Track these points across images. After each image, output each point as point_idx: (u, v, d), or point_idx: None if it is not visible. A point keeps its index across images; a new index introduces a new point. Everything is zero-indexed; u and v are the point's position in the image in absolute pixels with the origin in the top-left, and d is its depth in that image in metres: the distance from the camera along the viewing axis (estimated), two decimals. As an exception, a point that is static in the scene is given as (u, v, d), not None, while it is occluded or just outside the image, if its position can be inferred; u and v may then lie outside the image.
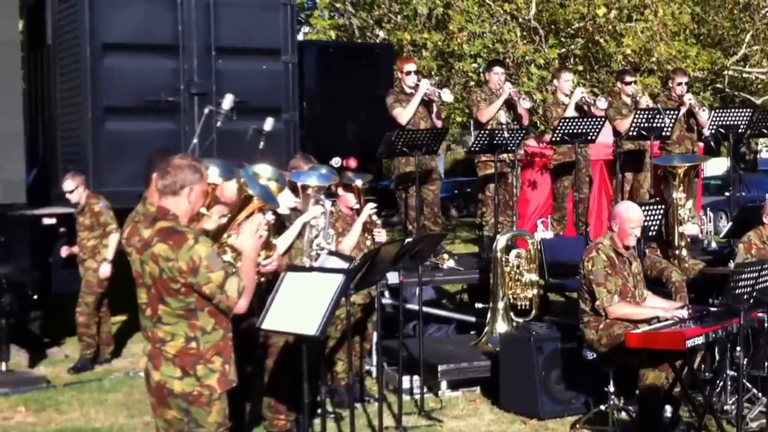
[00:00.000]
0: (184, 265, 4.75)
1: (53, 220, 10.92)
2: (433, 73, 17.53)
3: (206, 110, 9.48)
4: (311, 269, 5.67)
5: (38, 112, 12.42)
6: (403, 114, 10.49)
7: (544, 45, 17.45)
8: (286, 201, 7.51)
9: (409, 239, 7.77)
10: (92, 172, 10.67)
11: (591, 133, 10.69)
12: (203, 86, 11.01)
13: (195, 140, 9.34)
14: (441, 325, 10.72)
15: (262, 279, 6.61)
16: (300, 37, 16.03)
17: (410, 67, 10.79)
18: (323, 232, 7.35)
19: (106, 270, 10.23)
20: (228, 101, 9.42)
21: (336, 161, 11.94)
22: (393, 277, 9.03)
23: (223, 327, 4.94)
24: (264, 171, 6.57)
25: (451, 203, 31.44)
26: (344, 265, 5.93)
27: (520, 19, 17.59)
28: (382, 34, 17.20)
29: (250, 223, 5.00)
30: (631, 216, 7.60)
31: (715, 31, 22.09)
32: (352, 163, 11.97)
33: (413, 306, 9.96)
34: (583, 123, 10.67)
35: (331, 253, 6.43)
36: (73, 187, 10.15)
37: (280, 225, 7.41)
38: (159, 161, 6.04)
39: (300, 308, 5.46)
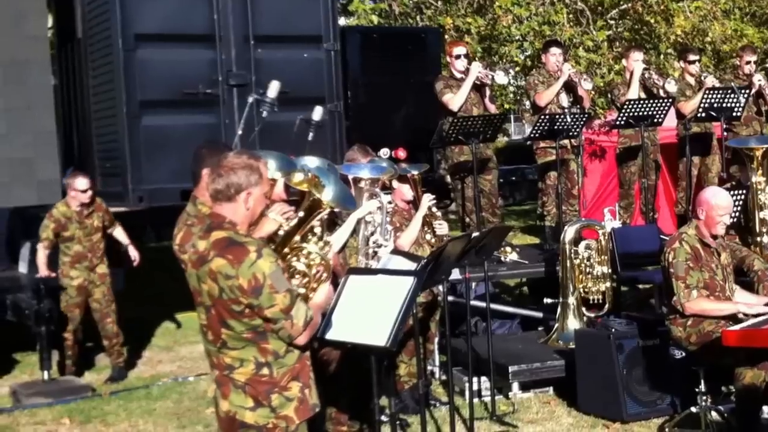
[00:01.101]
0: (245, 284, 4.12)
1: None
2: (477, 58, 16.88)
3: (250, 99, 8.86)
4: (376, 272, 5.03)
5: (72, 109, 11.90)
6: (454, 100, 9.89)
7: (592, 27, 16.72)
8: None
9: (476, 233, 7.13)
10: (130, 170, 10.08)
11: (657, 116, 10.03)
12: (242, 77, 10.38)
13: (239, 132, 8.69)
14: (504, 321, 10.09)
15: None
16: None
17: (460, 50, 10.19)
18: (380, 229, 6.71)
19: (135, 254, 9.93)
20: (273, 89, 8.80)
21: (384, 152, 11.35)
22: (455, 273, 8.48)
23: (299, 348, 4.33)
24: (311, 163, 5.98)
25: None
26: (411, 265, 5.29)
27: (567, 0, 16.86)
28: (423, 19, 16.52)
29: None
30: (720, 202, 6.94)
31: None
32: (402, 153, 11.40)
33: (473, 302, 9.39)
34: (649, 105, 10.01)
35: (395, 252, 5.79)
36: (87, 187, 9.62)
37: (331, 222, 6.84)
38: (208, 156, 5.47)
39: (366, 316, 4.82)
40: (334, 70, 10.94)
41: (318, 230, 4.51)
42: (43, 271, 9.40)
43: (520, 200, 26.66)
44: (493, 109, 10.19)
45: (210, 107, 10.27)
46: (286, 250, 4.47)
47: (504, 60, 17.26)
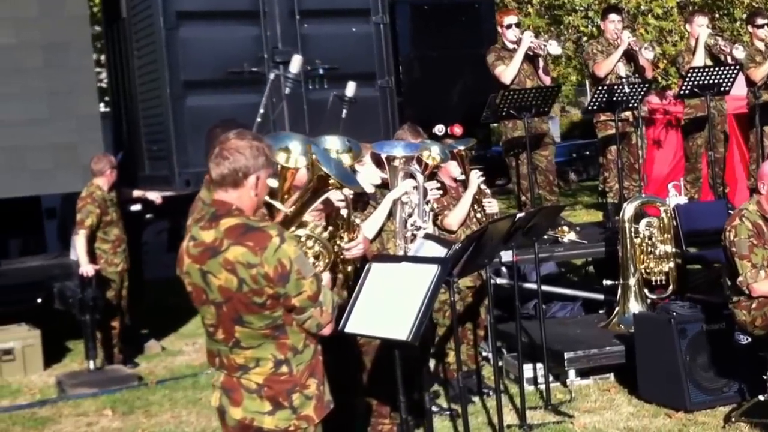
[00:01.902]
0: (271, 271, 3.75)
1: (138, 207, 10.22)
2: (540, 30, 16.34)
3: (271, 76, 8.50)
4: (400, 259, 4.65)
5: (120, 91, 11.67)
6: (506, 72, 9.41)
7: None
8: (370, 177, 6.54)
9: (521, 214, 6.70)
10: (176, 153, 9.87)
11: (724, 84, 9.45)
12: (289, 54, 9.98)
13: (261, 110, 8.34)
14: (565, 303, 9.64)
15: (349, 268, 5.69)
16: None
17: (511, 19, 9.69)
18: (417, 210, 6.31)
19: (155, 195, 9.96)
20: (296, 63, 8.42)
21: (439, 129, 11.01)
22: (507, 255, 8.08)
23: (314, 341, 3.98)
24: (332, 143, 5.58)
25: (570, 167, 30.17)
26: (442, 251, 4.89)
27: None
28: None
29: None
30: (783, 176, 6.42)
31: None
32: (457, 129, 11.05)
33: (533, 284, 9.00)
34: (715, 72, 9.43)
35: (428, 236, 5.40)
36: (115, 164, 9.38)
37: (364, 205, 6.46)
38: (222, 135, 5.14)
39: (389, 307, 4.43)
40: (384, 44, 10.60)
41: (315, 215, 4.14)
42: (85, 264, 9.10)
43: (594, 175, 26.07)
44: (547, 81, 9.66)
45: (256, 86, 9.91)
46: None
47: (569, 30, 16.73)
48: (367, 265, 4.70)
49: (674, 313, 7.10)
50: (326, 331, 3.92)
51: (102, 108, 12.59)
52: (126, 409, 8.31)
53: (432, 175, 7.29)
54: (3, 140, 9.37)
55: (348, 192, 5.61)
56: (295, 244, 3.84)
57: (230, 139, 3.92)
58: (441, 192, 7.13)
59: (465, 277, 6.91)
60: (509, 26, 9.63)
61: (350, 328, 4.49)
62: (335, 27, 10.39)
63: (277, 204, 4.22)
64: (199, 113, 9.77)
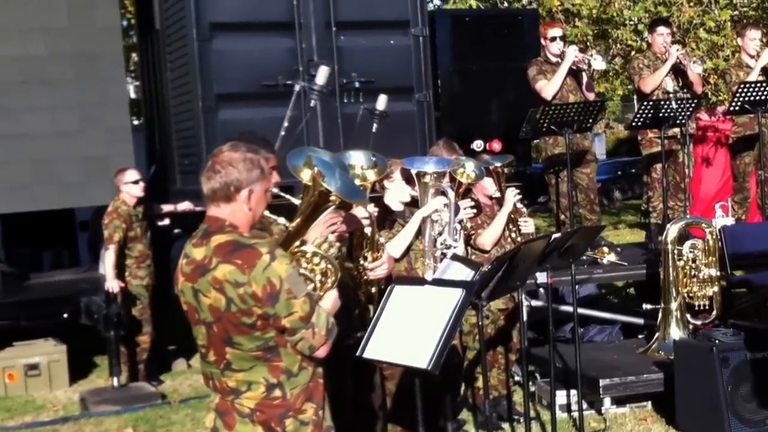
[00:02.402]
0: (259, 290, 3.56)
1: (167, 222, 10.03)
2: (588, 42, 16.01)
3: (296, 87, 8.24)
4: (424, 282, 4.38)
5: (153, 103, 11.49)
6: (548, 87, 9.11)
7: (714, 6, 15.65)
8: (399, 194, 6.29)
9: (557, 235, 6.41)
10: (207, 166, 9.62)
11: (776, 101, 9.07)
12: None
13: (285, 123, 8.10)
14: (603, 327, 9.32)
15: (373, 289, 5.44)
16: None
17: (555, 32, 9.38)
18: (448, 228, 6.04)
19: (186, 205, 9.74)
20: (322, 75, 8.15)
21: (478, 144, 10.74)
22: (543, 276, 7.78)
23: (312, 364, 3.75)
24: (357, 159, 5.39)
25: (614, 185, 29.74)
26: (469, 274, 4.61)
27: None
28: (533, 3, 15.70)
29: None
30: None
31: None
32: (496, 145, 10.76)
33: (570, 307, 8.71)
34: (766, 88, 9.05)
35: (455, 257, 5.12)
36: (138, 178, 9.15)
37: (391, 223, 6.20)
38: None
39: (410, 332, 4.17)
40: (423, 57, 10.31)
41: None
42: (111, 279, 8.92)
43: (639, 193, 25.64)
44: (591, 97, 9.35)
45: (289, 99, 9.70)
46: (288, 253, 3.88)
47: (617, 45, 16.39)
48: (389, 288, 4.43)
49: (716, 341, 6.76)
50: (320, 353, 3.70)
51: (136, 121, 12.51)
52: (147, 428, 8.15)
53: (466, 193, 7.04)
54: (33, 153, 9.26)
55: (372, 209, 5.37)
56: (287, 262, 3.63)
57: (223, 152, 3.75)
58: (475, 210, 6.87)
59: (495, 300, 6.62)
60: (554, 39, 9.33)
61: (369, 353, 4.24)
62: (372, 39, 10.12)
63: (279, 219, 3.99)
64: (232, 127, 9.47)
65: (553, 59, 9.30)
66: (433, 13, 11.53)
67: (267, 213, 4.17)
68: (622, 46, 16.12)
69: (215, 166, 3.72)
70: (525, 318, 8.03)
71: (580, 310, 8.91)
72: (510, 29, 11.46)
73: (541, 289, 9.04)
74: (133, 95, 19.00)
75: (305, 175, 4.75)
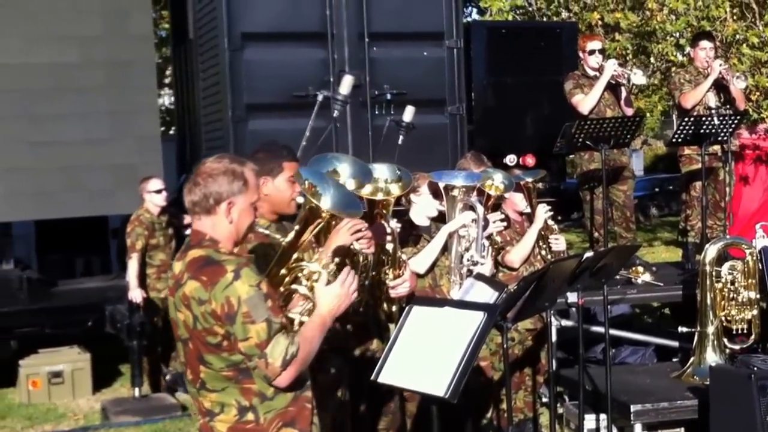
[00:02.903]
0: (218, 309, 3.44)
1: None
2: (628, 56, 15.76)
3: (320, 97, 8.08)
4: (443, 303, 4.20)
5: (185, 112, 11.40)
6: (586, 101, 8.89)
7: (758, 22, 15.35)
8: (425, 209, 6.15)
9: (589, 254, 6.20)
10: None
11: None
12: (356, 77, 9.61)
13: (307, 133, 7.95)
14: (637, 348, 9.10)
15: (394, 307, 5.28)
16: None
17: (594, 45, 9.14)
18: (476, 244, 5.86)
19: None
20: (346, 85, 7.98)
21: (511, 159, 10.59)
22: (574, 296, 7.59)
23: (294, 387, 3.61)
24: (381, 171, 5.25)
25: (651, 202, 29.38)
26: (492, 295, 4.43)
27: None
28: (571, 17, 15.44)
29: (347, 276, 3.69)
30: None
31: None
32: (530, 160, 10.62)
33: (600, 328, 8.52)
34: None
35: (478, 276, 4.94)
36: (161, 187, 9.05)
37: (416, 238, 6.04)
38: (265, 160, 4.77)
39: (428, 356, 3.97)
40: (457, 69, 10.19)
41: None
42: (134, 288, 8.84)
43: (677, 210, 25.28)
44: (629, 112, 9.10)
45: (321, 110, 9.52)
46: (284, 270, 3.78)
47: (658, 60, 16.13)
48: (407, 308, 4.26)
49: (755, 368, 6.49)
50: (279, 383, 3.53)
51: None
52: (165, 439, 8.08)
53: (495, 207, 6.87)
54: (62, 160, 9.23)
55: (395, 225, 5.22)
56: (252, 283, 3.47)
57: (205, 164, 3.64)
58: (505, 224, 6.69)
59: (522, 321, 6.43)
60: (592, 52, 9.09)
61: (384, 378, 4.05)
62: (406, 51, 10.01)
63: (271, 233, 3.85)
64: (261, 137, 9.37)
65: (591, 73, 9.08)
66: (469, 25, 11.39)
67: (261, 229, 4.04)
68: (662, 60, 15.83)
69: (196, 178, 3.63)
70: (554, 338, 7.92)
71: (613, 331, 8.71)
72: (547, 42, 11.29)
73: (573, 309, 8.87)
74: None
75: None
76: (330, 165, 4.68)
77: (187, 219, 9.70)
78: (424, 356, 4.00)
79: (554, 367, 7.90)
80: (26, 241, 10.25)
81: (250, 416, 3.57)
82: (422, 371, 3.96)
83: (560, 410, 7.44)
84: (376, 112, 9.79)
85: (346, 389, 4.91)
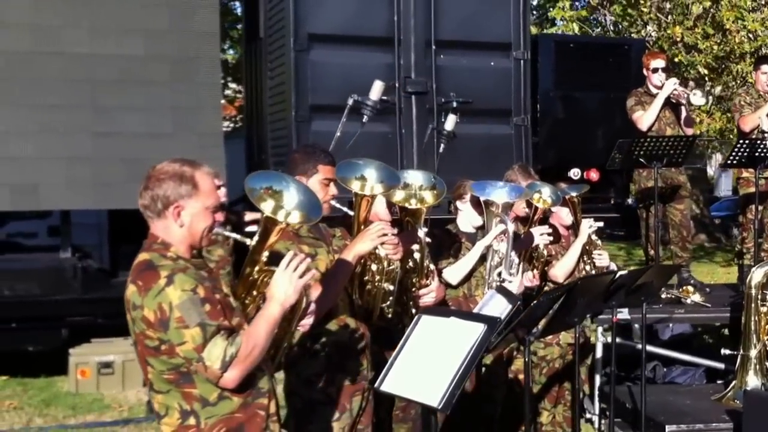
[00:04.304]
0: (150, 315, 3.47)
1: (254, 228, 10.01)
2: (706, 76, 15.60)
3: (350, 101, 8.12)
4: (449, 313, 4.24)
5: (253, 111, 11.56)
6: (644, 118, 8.87)
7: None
8: (471, 217, 6.20)
9: (623, 271, 6.19)
10: (298, 179, 9.61)
11: None
12: (421, 84, 9.72)
13: (338, 134, 8.01)
14: (687, 368, 9.04)
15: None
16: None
17: (658, 63, 9.10)
18: (505, 260, 5.89)
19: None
20: (377, 90, 7.99)
21: (575, 172, 10.57)
22: (625, 313, 7.65)
23: (240, 395, 3.63)
24: (415, 178, 5.29)
25: (734, 222, 28.90)
26: (506, 308, 4.46)
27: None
28: (647, 29, 15.31)
29: (292, 260, 3.66)
30: None
31: None
32: (594, 175, 10.58)
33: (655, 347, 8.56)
34: None
35: (499, 289, 4.97)
36: (220, 183, 9.10)
37: (458, 247, 6.10)
38: (301, 162, 4.88)
39: (429, 366, 4.02)
40: (523, 81, 10.13)
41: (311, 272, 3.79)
42: None
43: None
44: (689, 132, 9.04)
45: (385, 115, 9.60)
46: (255, 275, 3.80)
47: (737, 80, 15.91)
48: (416, 317, 4.32)
49: (789, 395, 6.46)
50: (227, 383, 3.54)
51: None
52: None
53: (543, 220, 6.88)
54: (124, 152, 9.24)
55: (422, 234, 5.26)
56: (186, 288, 3.49)
57: (156, 167, 3.67)
58: (551, 237, 6.70)
59: (549, 335, 6.45)
60: (656, 70, 9.06)
61: (386, 386, 4.10)
62: (473, 60, 9.98)
63: (237, 237, 3.91)
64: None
65: (654, 91, 9.04)
66: (537, 37, 11.35)
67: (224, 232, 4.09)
68: (741, 80, 15.62)
69: (147, 181, 3.65)
70: (600, 354, 7.91)
71: (662, 351, 8.70)
72: (615, 57, 11.24)
73: (636, 326, 8.85)
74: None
75: (355, 186, 4.71)
76: (358, 170, 4.75)
77: (248, 216, 9.83)
78: (426, 366, 4.04)
79: (598, 384, 7.93)
80: (94, 230, 10.27)
81: (191, 421, 3.58)
82: (422, 381, 3.98)
83: (603, 427, 7.44)
84: (442, 120, 9.81)
85: (369, 393, 4.96)
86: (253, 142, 11.55)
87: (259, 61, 11.00)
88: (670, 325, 9.44)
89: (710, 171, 32.16)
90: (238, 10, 16.27)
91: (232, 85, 20.88)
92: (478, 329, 3.95)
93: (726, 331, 10.50)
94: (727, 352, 7.85)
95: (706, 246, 22.10)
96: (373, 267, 4.73)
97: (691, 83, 9.28)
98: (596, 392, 7.92)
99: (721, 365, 8.48)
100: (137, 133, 9.31)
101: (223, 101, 23.28)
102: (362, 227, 4.65)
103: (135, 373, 9.45)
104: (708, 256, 20.07)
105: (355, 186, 4.69)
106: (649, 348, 8.55)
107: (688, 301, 8.44)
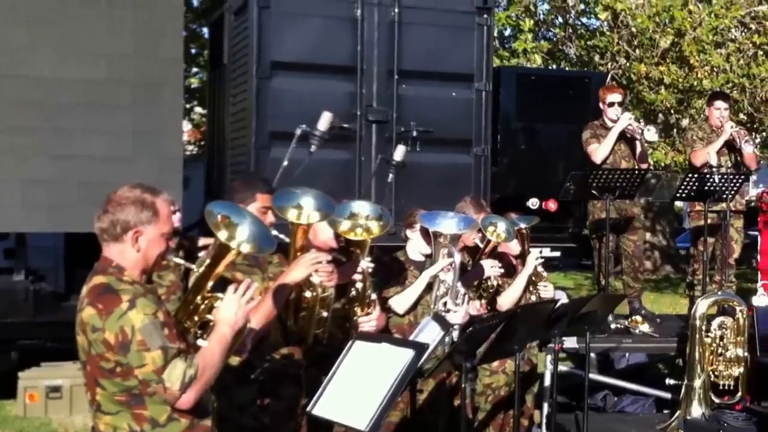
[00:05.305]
0: (112, 338, 3.57)
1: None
2: (670, 110, 15.80)
3: (298, 131, 8.23)
4: (381, 339, 4.35)
5: (215, 136, 11.66)
6: (599, 151, 9.02)
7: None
8: (420, 245, 6.32)
9: (564, 300, 6.31)
10: (256, 204, 9.69)
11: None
12: (383, 113, 9.84)
13: (285, 163, 8.12)
14: (638, 398, 9.12)
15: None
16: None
17: (614, 97, 9.25)
18: (450, 291, 6.00)
19: None
20: (325, 121, 8.11)
21: (533, 202, 10.72)
22: (572, 341, 7.74)
23: (188, 416, 3.71)
24: (362, 208, 5.39)
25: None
26: (438, 335, 4.57)
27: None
28: (614, 67, 15.48)
29: (240, 286, 3.77)
30: None
31: None
32: (552, 205, 10.72)
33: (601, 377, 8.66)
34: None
35: (435, 317, 5.09)
36: (176, 208, 9.13)
37: (405, 276, 6.21)
38: (239, 189, 4.99)
39: (360, 390, 4.12)
40: (485, 111, 10.26)
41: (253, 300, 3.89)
42: None
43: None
44: (644, 166, 9.19)
45: (345, 143, 9.76)
46: (198, 300, 3.89)
47: (701, 114, 16.10)
48: (350, 342, 4.42)
49: (725, 424, 6.61)
50: (183, 404, 3.63)
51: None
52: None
53: (494, 251, 6.99)
54: (84, 175, 9.21)
55: (366, 265, 5.37)
56: (147, 312, 3.60)
57: (117, 192, 3.77)
58: (502, 270, 6.84)
59: (490, 362, 6.56)
60: (612, 104, 9.21)
61: (318, 410, 4.19)
62: (434, 90, 10.08)
63: (185, 263, 4.02)
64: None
65: (610, 124, 9.19)
66: (500, 69, 11.52)
67: (176, 259, 4.21)
68: (702, 114, 15.82)
69: (107, 205, 3.74)
70: (548, 382, 8.02)
71: (612, 380, 8.82)
72: (575, 90, 11.42)
73: (593, 354, 8.99)
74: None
75: (291, 215, 4.81)
76: (294, 199, 4.84)
77: (201, 241, 9.88)
78: (357, 390, 4.14)
79: (546, 412, 8.02)
80: (50, 253, 10.21)
81: None
82: (352, 405, 4.09)
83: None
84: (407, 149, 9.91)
85: (302, 418, 5.04)
86: (214, 167, 11.63)
87: (222, 86, 11.10)
88: (626, 354, 9.57)
89: (678, 202, 32.24)
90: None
91: (198, 109, 20.95)
92: (407, 355, 4.05)
93: (680, 362, 10.64)
94: (672, 382, 7.98)
95: (672, 277, 22.25)
96: (308, 294, 4.82)
97: (645, 126, 9.34)
98: (544, 420, 8.02)
99: (669, 395, 8.60)
100: (97, 157, 9.27)
101: (189, 126, 23.47)
102: (298, 255, 4.74)
103: (83, 398, 9.21)
104: (673, 287, 20.18)
105: (291, 215, 4.78)
106: (600, 377, 8.74)
107: (637, 331, 8.59)
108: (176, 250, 9.26)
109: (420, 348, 4.08)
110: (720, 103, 9.45)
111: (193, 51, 19.20)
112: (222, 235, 3.82)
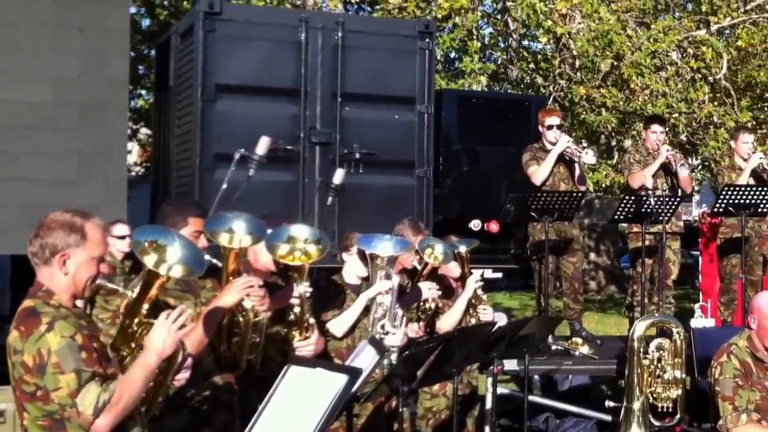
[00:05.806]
0: (29, 361, 3.59)
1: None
2: (612, 131, 16.00)
3: (237, 155, 8.31)
4: (316, 364, 4.40)
5: (160, 157, 11.66)
6: (538, 173, 9.16)
7: (737, 107, 15.58)
8: (356, 268, 6.36)
9: (502, 322, 6.41)
10: (202, 227, 9.70)
11: (763, 205, 9.01)
12: (326, 135, 9.92)
13: (224, 186, 8.18)
14: (580, 420, 9.24)
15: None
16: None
17: (553, 120, 9.41)
18: (389, 314, 6.07)
19: None
20: (263, 145, 8.20)
21: (475, 224, 10.83)
22: (513, 364, 7.82)
23: None
24: (300, 232, 5.43)
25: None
26: (374, 359, 4.64)
27: (710, 79, 15.79)
28: (556, 89, 15.66)
29: (172, 312, 3.80)
30: (774, 311, 6.04)
31: None
32: (494, 226, 10.84)
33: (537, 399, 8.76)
34: (754, 192, 9.02)
35: (371, 340, 5.15)
36: (125, 233, 9.15)
37: (343, 299, 6.26)
38: (169, 214, 5.01)
39: (293, 416, 4.16)
40: (427, 133, 10.37)
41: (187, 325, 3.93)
42: None
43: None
44: (582, 188, 9.36)
45: (289, 164, 9.82)
46: (135, 326, 3.92)
47: (639, 136, 16.33)
48: (285, 367, 4.46)
49: (663, 445, 6.71)
50: (97, 431, 3.64)
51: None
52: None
53: (433, 271, 7.06)
54: (28, 197, 9.19)
55: (303, 290, 5.42)
56: (65, 334, 3.61)
57: (48, 216, 3.80)
58: (440, 292, 6.91)
59: (429, 386, 6.63)
60: (551, 127, 9.37)
61: (252, 438, 4.23)
62: (377, 113, 10.19)
63: (120, 288, 4.04)
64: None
65: (549, 147, 9.33)
66: (441, 92, 11.64)
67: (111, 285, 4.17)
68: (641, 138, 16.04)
69: (38, 229, 3.78)
70: (489, 405, 8.10)
71: (553, 402, 8.93)
72: (515, 113, 11.59)
73: (536, 377, 9.08)
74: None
75: (223, 239, 4.85)
76: (226, 223, 4.89)
77: None
78: (292, 416, 4.16)
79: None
80: None
81: None
82: (287, 431, 4.14)
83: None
84: (350, 171, 9.99)
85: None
86: (159, 189, 11.63)
87: (168, 108, 11.11)
88: (569, 376, 9.70)
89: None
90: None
91: (144, 130, 20.91)
92: (341, 380, 4.10)
93: (623, 383, 10.76)
94: (612, 404, 8.09)
95: (616, 297, 22.47)
96: (240, 319, 4.85)
97: (584, 148, 9.49)
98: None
99: (609, 417, 8.71)
100: (42, 180, 9.25)
101: (137, 146, 23.40)
102: (230, 279, 4.77)
103: (28, 422, 9.35)
104: (617, 307, 20.38)
105: (223, 239, 4.82)
106: (541, 400, 8.85)
107: (576, 353, 8.70)
108: (128, 273, 9.31)
109: (354, 373, 4.13)
110: (656, 127, 9.63)
111: (140, 71, 19.20)
112: (150, 260, 3.84)
